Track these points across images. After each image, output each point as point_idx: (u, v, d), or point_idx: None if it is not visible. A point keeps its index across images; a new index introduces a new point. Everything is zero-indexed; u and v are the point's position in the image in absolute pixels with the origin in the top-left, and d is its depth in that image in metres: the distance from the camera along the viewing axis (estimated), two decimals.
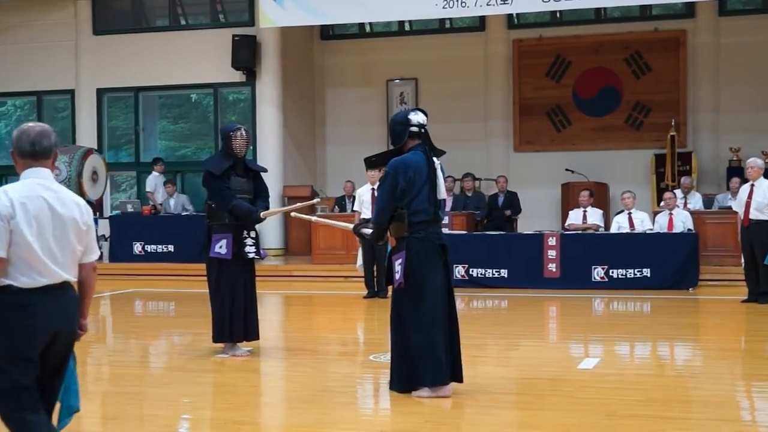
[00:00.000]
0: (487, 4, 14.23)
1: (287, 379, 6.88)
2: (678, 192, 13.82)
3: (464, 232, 13.59)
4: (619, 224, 12.85)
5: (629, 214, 12.83)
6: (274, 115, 17.08)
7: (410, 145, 5.92)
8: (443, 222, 13.90)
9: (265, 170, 7.91)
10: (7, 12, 18.71)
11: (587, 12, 17.49)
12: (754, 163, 10.80)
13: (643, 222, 12.77)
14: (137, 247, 15.63)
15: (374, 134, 17.32)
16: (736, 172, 14.64)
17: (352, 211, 13.15)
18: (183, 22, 18.63)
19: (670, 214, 12.60)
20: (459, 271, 12.73)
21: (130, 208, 16.17)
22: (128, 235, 15.74)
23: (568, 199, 15.54)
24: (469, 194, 15.27)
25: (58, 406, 3.99)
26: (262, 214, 7.39)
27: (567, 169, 16.61)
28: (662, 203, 13.22)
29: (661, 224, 12.65)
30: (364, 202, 11.83)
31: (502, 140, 17.83)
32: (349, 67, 18.74)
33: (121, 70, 18.02)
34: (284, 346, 8.46)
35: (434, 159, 5.95)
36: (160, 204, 16.35)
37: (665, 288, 12.00)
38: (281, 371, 7.14)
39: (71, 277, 3.76)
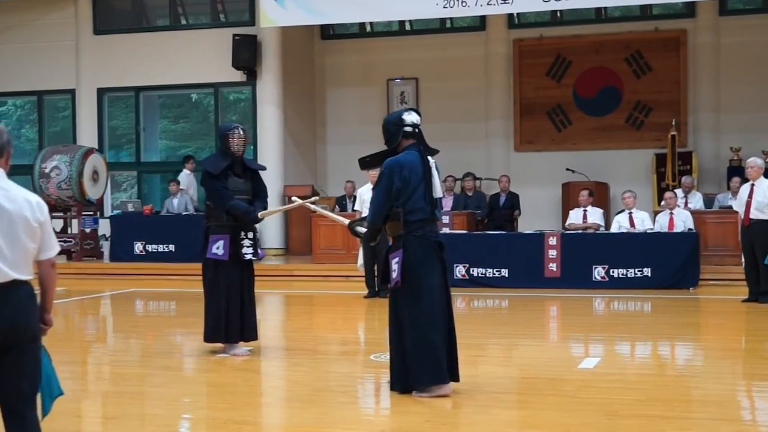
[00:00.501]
0: (488, 4, 14.23)
1: (287, 379, 6.87)
2: (679, 191, 13.82)
3: (465, 231, 13.59)
4: (620, 224, 12.84)
5: (630, 213, 12.83)
6: (275, 114, 17.08)
7: (404, 145, 5.93)
8: (444, 222, 14.03)
9: (264, 168, 7.89)
10: (7, 12, 18.72)
11: (588, 12, 17.49)
12: (754, 162, 10.80)
13: (643, 221, 12.77)
14: (138, 247, 15.63)
15: (375, 134, 17.07)
16: (737, 171, 14.64)
17: (353, 210, 13.14)
18: (183, 22, 18.63)
19: (671, 213, 12.60)
20: (459, 270, 12.74)
21: (130, 208, 16.17)
22: (129, 234, 15.73)
23: (569, 199, 15.54)
24: (470, 194, 15.27)
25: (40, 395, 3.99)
26: (260, 214, 7.38)
27: (567, 169, 16.62)
28: (663, 203, 13.21)
29: (661, 224, 12.64)
30: (365, 202, 11.81)
31: (502, 140, 17.83)
32: (349, 66, 18.75)
33: (122, 70, 18.02)
34: (284, 346, 8.46)
35: (429, 158, 5.93)
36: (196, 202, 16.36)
37: (666, 288, 12.00)
38: (281, 371, 7.14)
39: (24, 275, 3.73)
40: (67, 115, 19.42)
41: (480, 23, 18.01)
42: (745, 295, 10.82)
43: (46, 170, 15.94)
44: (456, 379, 5.89)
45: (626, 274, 12.27)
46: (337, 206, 15.28)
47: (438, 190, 5.95)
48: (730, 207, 12.92)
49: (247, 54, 16.86)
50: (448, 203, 14.90)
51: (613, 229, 12.94)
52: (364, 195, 11.94)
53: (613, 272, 12.32)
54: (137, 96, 18.52)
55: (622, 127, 17.39)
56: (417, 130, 5.95)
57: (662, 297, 11.50)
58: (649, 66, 17.25)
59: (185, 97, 19.89)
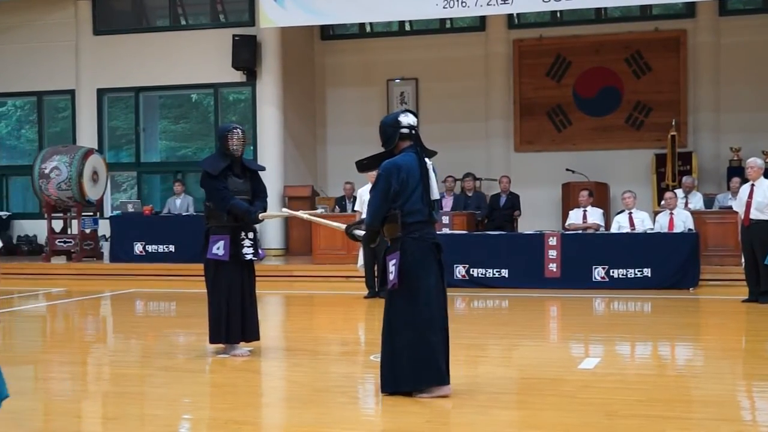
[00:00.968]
0: (488, 4, 14.24)
1: (287, 379, 6.87)
2: (679, 192, 13.82)
3: (465, 232, 13.60)
4: (620, 224, 12.85)
5: (630, 213, 12.83)
6: (275, 115, 17.09)
7: (401, 147, 5.91)
8: (444, 222, 14.02)
9: (263, 168, 7.90)
10: (8, 12, 18.73)
11: (587, 12, 17.50)
12: (754, 163, 10.79)
13: (643, 222, 12.77)
14: (138, 247, 15.63)
15: (375, 134, 16.92)
16: (737, 171, 14.65)
17: (353, 211, 13.15)
18: (183, 22, 18.64)
19: (671, 213, 12.60)
20: (459, 271, 12.75)
21: (130, 208, 16.17)
22: (129, 235, 15.74)
23: (569, 199, 15.55)
24: (470, 194, 15.27)
25: None
26: (260, 215, 7.38)
27: (567, 169, 16.62)
28: (663, 203, 13.21)
29: (661, 224, 12.65)
30: (364, 202, 11.79)
31: (502, 140, 17.84)
32: (349, 67, 18.75)
33: (122, 70, 18.03)
34: (284, 346, 8.46)
35: (426, 159, 5.91)
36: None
37: (666, 288, 12.00)
38: (281, 371, 7.14)
39: None
40: (66, 116, 19.41)
41: (480, 23, 18.02)
42: (745, 295, 10.82)
43: (46, 171, 15.93)
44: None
45: (626, 275, 12.27)
46: (337, 207, 15.29)
47: (435, 192, 5.91)
48: (730, 207, 12.92)
49: (246, 54, 16.87)
50: (448, 203, 14.91)
51: (613, 229, 12.95)
52: (364, 196, 11.93)
53: (613, 272, 12.32)
54: (137, 96, 18.52)
55: (622, 128, 17.40)
56: (414, 132, 5.93)
57: (662, 297, 11.50)
58: (649, 66, 17.25)
59: (185, 97, 19.89)
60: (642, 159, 16.98)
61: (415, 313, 5.72)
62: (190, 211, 15.89)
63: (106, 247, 16.54)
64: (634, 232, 12.62)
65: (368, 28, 18.90)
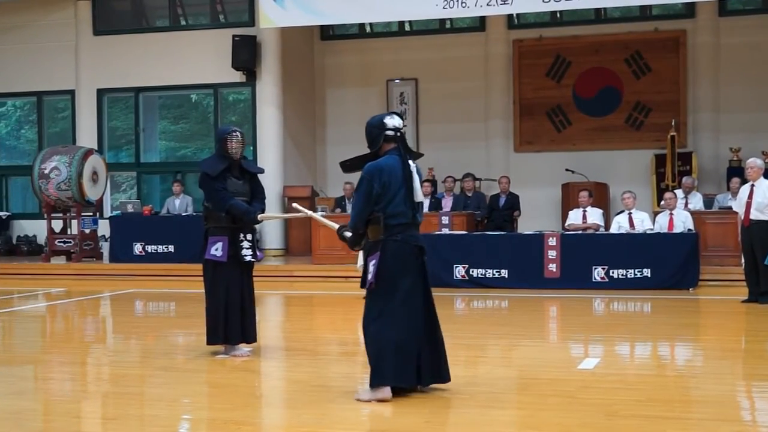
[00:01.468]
0: (487, 5, 14.24)
1: (287, 379, 6.88)
2: (679, 192, 13.82)
3: (464, 232, 13.60)
4: (620, 224, 12.85)
5: (629, 214, 12.83)
6: (275, 115, 17.09)
7: (386, 149, 5.89)
8: (444, 222, 14.00)
9: (262, 171, 7.92)
10: (7, 12, 18.73)
11: (587, 12, 17.51)
12: (754, 163, 10.79)
13: (643, 222, 12.77)
14: (137, 248, 15.63)
15: None
16: (736, 172, 14.65)
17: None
18: (183, 23, 18.64)
19: (671, 214, 12.60)
20: (459, 271, 12.75)
21: (130, 209, 16.17)
22: (128, 235, 15.74)
23: (569, 199, 15.56)
24: (470, 194, 15.27)
25: None
26: (260, 216, 7.39)
27: (567, 169, 16.62)
28: (662, 203, 13.22)
29: (661, 224, 12.65)
30: None
31: (502, 140, 17.84)
32: (349, 67, 18.75)
33: (122, 71, 18.03)
34: (284, 346, 8.46)
35: (410, 162, 5.88)
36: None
37: (665, 288, 12.00)
38: (281, 371, 7.14)
39: None
40: (66, 116, 19.42)
41: (480, 24, 18.02)
42: (745, 295, 10.81)
43: (46, 171, 15.93)
44: (446, 379, 5.91)
45: (626, 275, 12.27)
46: (338, 207, 15.29)
47: (419, 195, 5.87)
48: (730, 207, 12.93)
49: (246, 55, 16.87)
50: (448, 203, 14.92)
51: (613, 229, 12.95)
52: None
53: (612, 273, 12.32)
54: (137, 97, 18.53)
55: (622, 128, 17.41)
56: (399, 134, 5.90)
57: (662, 297, 11.50)
58: (649, 66, 17.26)
59: (185, 97, 19.89)
60: (642, 159, 16.99)
61: (388, 312, 5.72)
62: (190, 212, 15.88)
63: (105, 248, 16.54)
64: (633, 232, 12.62)
65: (368, 28, 18.90)
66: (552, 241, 12.58)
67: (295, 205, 8.05)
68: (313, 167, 18.76)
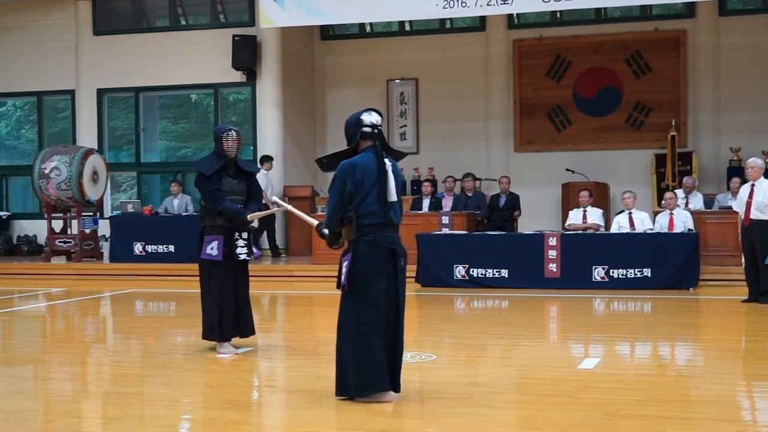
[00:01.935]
0: (488, 4, 14.24)
1: (287, 379, 6.88)
2: (679, 192, 13.83)
3: (464, 232, 13.60)
4: (620, 224, 12.85)
5: (630, 213, 12.83)
6: (275, 115, 17.09)
7: (363, 146, 5.75)
8: (444, 222, 13.99)
9: (258, 170, 7.99)
10: (7, 12, 18.73)
11: (587, 12, 17.51)
12: (754, 163, 10.79)
13: (643, 222, 12.77)
14: (138, 248, 15.63)
15: None
16: (737, 172, 14.66)
17: None
18: (183, 23, 18.64)
19: (671, 213, 12.60)
20: (459, 271, 12.75)
21: (130, 209, 16.17)
22: (129, 235, 15.74)
23: (569, 199, 15.56)
24: (470, 194, 15.27)
25: None
26: (249, 216, 7.43)
27: (567, 169, 16.62)
28: (663, 203, 13.22)
29: (661, 224, 12.65)
30: None
31: (502, 140, 17.84)
32: (349, 67, 18.76)
33: (122, 71, 18.03)
34: (284, 346, 8.46)
35: (387, 161, 5.72)
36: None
37: (666, 288, 12.00)
38: (281, 371, 7.15)
39: None
40: (66, 116, 19.42)
41: (480, 23, 18.02)
42: (745, 295, 10.82)
43: (46, 171, 15.93)
44: (396, 389, 5.75)
45: (626, 275, 12.27)
46: None
47: (392, 194, 5.68)
48: (730, 207, 12.93)
49: (246, 54, 16.87)
50: (448, 203, 14.92)
51: (613, 229, 12.95)
52: None
53: (612, 273, 12.31)
54: (137, 96, 18.53)
55: (622, 128, 17.41)
56: (377, 131, 5.75)
57: (662, 297, 11.50)
58: (649, 66, 17.26)
59: (185, 97, 19.89)
60: (642, 159, 16.99)
61: (361, 315, 5.61)
62: (189, 211, 15.89)
63: (105, 247, 16.54)
64: (633, 232, 12.62)
65: (368, 29, 18.90)
66: (552, 241, 12.58)
67: (275, 199, 8.11)
68: (313, 167, 18.71)
